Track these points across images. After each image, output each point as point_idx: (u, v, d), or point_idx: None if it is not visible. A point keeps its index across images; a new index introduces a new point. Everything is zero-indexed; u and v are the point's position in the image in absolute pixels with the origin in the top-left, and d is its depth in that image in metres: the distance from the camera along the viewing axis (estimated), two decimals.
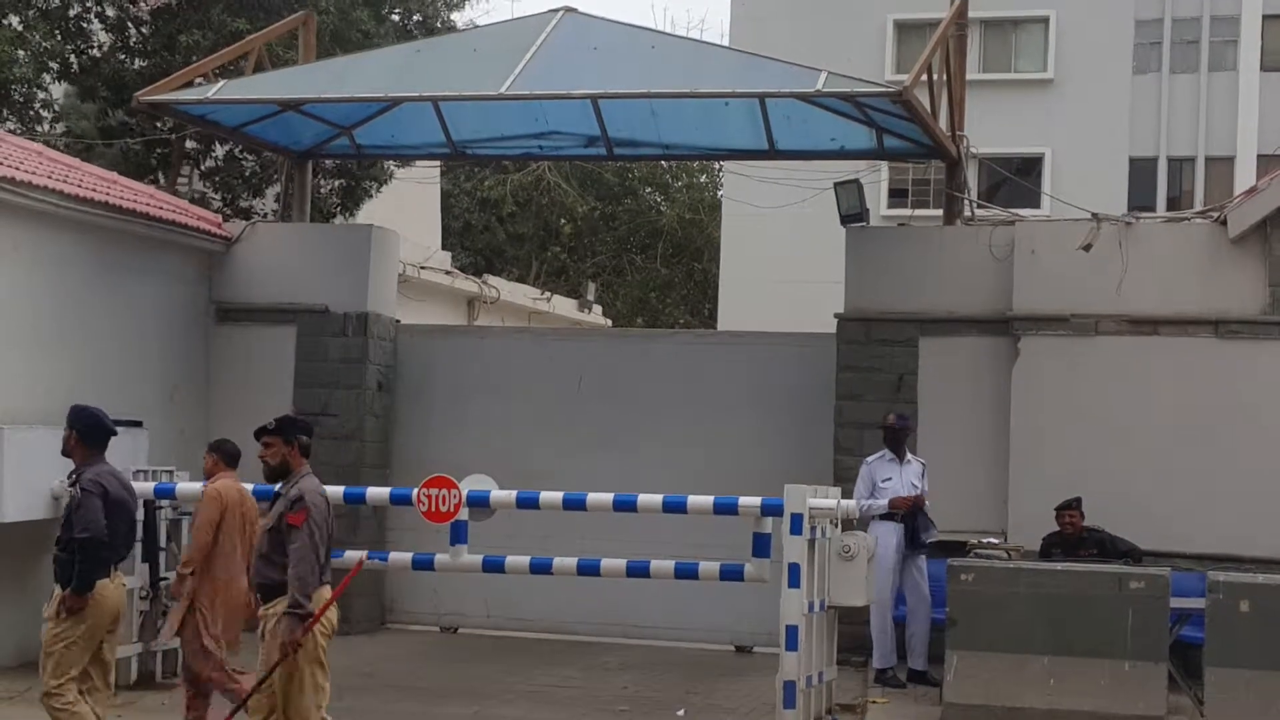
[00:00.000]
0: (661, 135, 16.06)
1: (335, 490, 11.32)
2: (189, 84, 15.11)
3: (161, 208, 15.37)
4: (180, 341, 15.52)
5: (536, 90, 13.86)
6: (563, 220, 43.35)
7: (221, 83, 15.29)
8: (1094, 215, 14.12)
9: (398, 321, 16.51)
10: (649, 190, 45.78)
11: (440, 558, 12.34)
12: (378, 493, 12.93)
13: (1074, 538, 12.84)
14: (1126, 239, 13.91)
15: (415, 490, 11.87)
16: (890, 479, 12.96)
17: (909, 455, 13.19)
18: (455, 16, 26.79)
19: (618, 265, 45.05)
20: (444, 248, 30.60)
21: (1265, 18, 37.17)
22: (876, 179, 29.93)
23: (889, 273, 14.64)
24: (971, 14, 16.05)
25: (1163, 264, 13.90)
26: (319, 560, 8.46)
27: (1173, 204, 36.67)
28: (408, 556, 12.90)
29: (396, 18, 25.57)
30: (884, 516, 12.87)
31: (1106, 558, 12.47)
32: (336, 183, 24.74)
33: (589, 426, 15.65)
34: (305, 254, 15.99)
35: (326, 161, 21.82)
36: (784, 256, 33.42)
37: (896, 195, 35.23)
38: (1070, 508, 12.92)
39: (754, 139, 15.80)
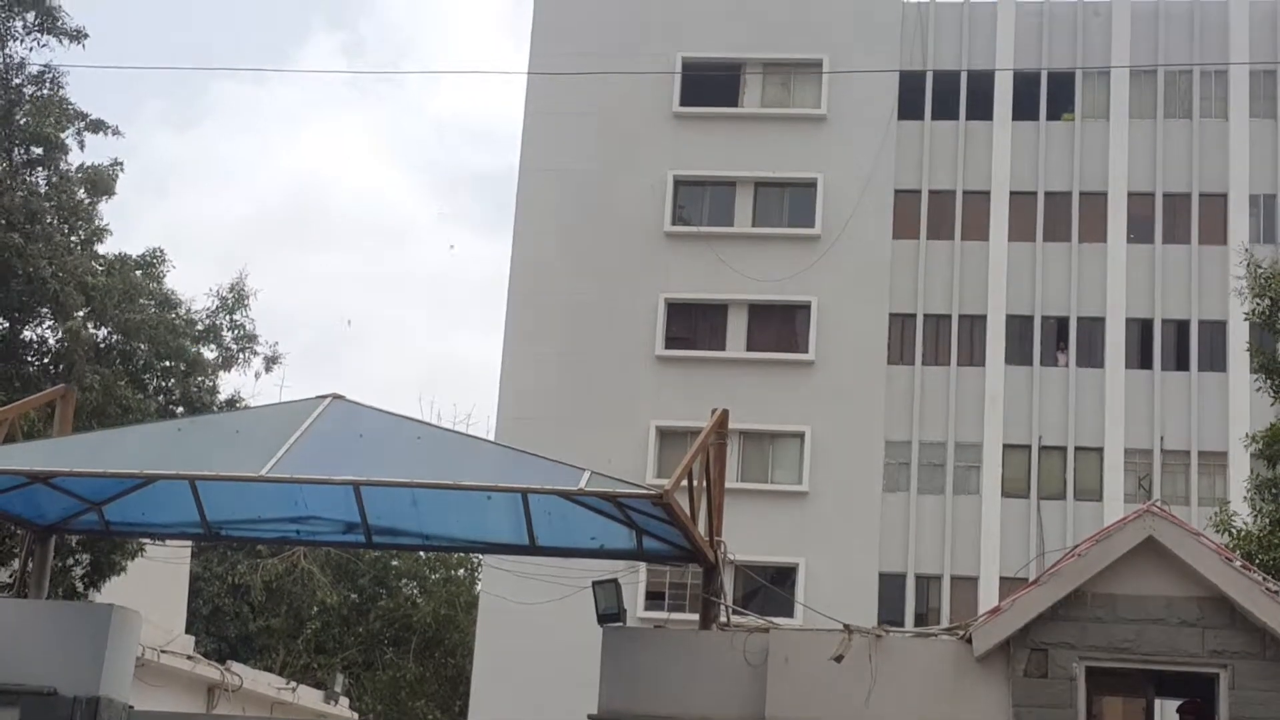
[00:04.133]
0: (422, 525, 15.93)
1: None
2: None
3: None
4: None
5: (297, 474, 13.71)
6: (315, 609, 42.41)
7: None
8: (845, 627, 14.30)
9: (130, 707, 15.63)
10: (405, 582, 45.25)
11: None
12: None
13: None
14: (876, 652, 14.07)
15: None
16: None
17: None
18: (223, 384, 26.96)
19: (369, 659, 43.97)
20: (189, 631, 29.55)
21: (1006, 447, 39.17)
22: (634, 580, 30.08)
23: (644, 675, 14.50)
24: (731, 425, 16.53)
25: (911, 679, 14.05)
26: None
27: (920, 619, 37.49)
28: None
29: (159, 394, 25.53)
30: None
31: None
32: (85, 557, 23.99)
33: None
34: (38, 633, 15.18)
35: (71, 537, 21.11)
36: (539, 653, 33.05)
37: (654, 598, 35.40)
38: None
39: (515, 534, 15.77)
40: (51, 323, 25.52)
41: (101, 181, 26.65)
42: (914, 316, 40.17)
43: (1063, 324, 40.11)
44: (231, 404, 28.04)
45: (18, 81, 25.81)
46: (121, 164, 27.06)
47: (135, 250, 27.81)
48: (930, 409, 39.46)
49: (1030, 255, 40.32)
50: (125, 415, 22.77)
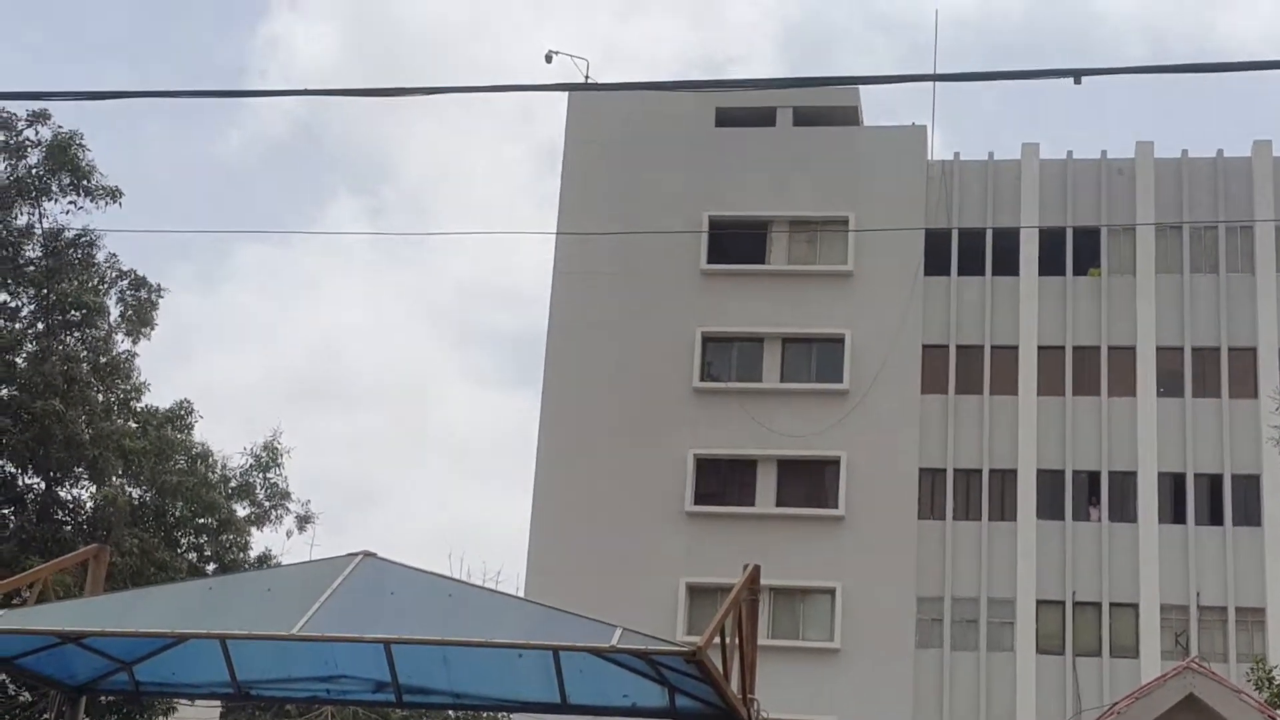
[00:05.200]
0: (453, 683, 15.83)
1: None
2: None
3: None
4: None
5: (328, 633, 13.67)
6: None
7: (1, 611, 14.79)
8: None
9: None
10: None
11: None
12: None
13: None
14: None
15: None
16: None
17: None
18: (254, 541, 27.07)
19: None
20: None
21: (1039, 603, 38.77)
22: None
23: None
24: (761, 581, 16.44)
25: None
26: None
27: None
28: None
29: (191, 550, 25.64)
30: None
31: None
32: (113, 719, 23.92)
33: None
34: None
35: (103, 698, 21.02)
36: None
37: None
38: None
39: (546, 691, 15.65)
40: (88, 483, 25.70)
41: (141, 315, 26.75)
42: (944, 471, 40.05)
43: (1094, 478, 39.92)
44: (263, 561, 28.11)
45: (56, 245, 26.23)
46: (161, 294, 27.13)
47: (164, 404, 28.05)
48: (962, 565, 39.16)
49: (1060, 410, 40.28)
50: (159, 574, 22.86)
